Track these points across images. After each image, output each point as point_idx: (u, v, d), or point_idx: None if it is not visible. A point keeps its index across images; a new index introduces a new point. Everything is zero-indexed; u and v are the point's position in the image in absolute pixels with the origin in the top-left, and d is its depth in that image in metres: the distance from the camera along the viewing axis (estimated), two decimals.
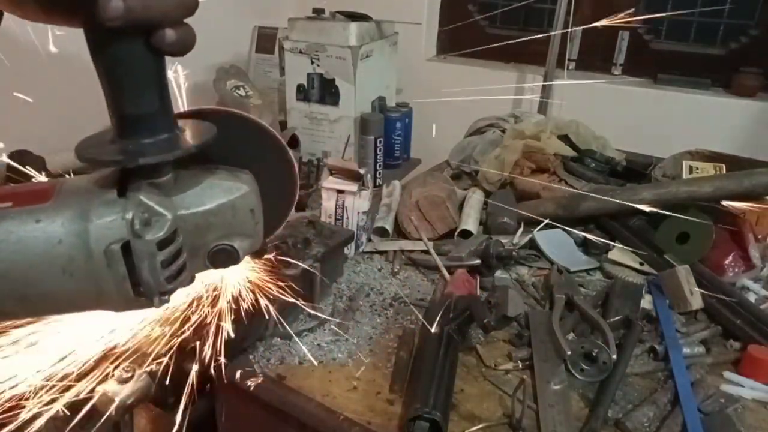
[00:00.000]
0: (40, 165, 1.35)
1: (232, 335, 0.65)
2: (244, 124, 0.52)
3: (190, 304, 0.61)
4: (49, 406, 0.60)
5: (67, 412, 0.63)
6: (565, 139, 1.47)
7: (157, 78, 0.41)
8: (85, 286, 0.41)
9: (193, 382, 0.72)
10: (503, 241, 1.11)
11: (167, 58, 0.41)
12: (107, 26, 0.36)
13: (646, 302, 0.99)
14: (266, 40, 2.31)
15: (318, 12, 1.89)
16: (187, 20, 0.40)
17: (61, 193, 0.42)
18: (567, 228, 1.18)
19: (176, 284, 0.45)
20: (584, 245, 1.18)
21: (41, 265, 0.40)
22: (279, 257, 0.70)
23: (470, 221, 1.21)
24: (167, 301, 0.45)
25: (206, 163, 0.48)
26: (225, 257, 0.47)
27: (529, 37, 1.68)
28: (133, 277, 0.42)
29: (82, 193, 0.42)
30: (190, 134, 0.44)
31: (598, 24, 1.03)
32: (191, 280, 0.48)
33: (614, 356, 0.81)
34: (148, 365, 0.70)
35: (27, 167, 0.66)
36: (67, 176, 0.48)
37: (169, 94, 0.43)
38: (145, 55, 0.39)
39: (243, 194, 0.46)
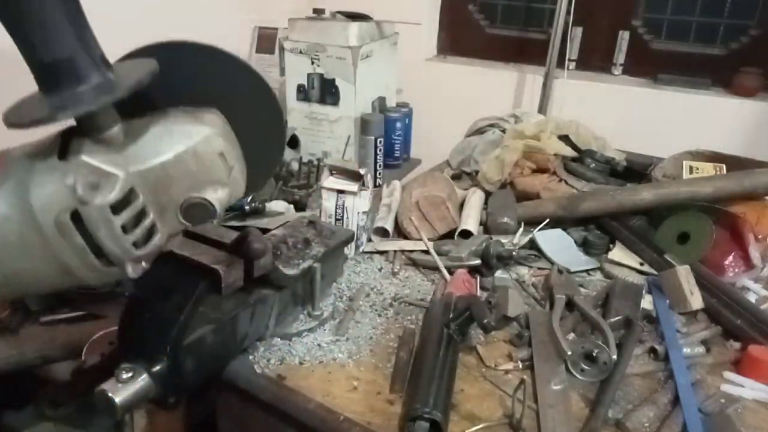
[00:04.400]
0: None
1: None
2: (216, 59, 0.44)
3: None
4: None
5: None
6: (565, 139, 1.47)
7: (69, 14, 0.35)
8: (47, 261, 0.37)
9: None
10: (503, 241, 1.11)
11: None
12: None
13: (646, 302, 0.99)
14: (266, 40, 2.31)
15: (318, 12, 1.89)
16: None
17: (5, 165, 0.37)
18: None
19: (149, 248, 0.40)
20: (584, 245, 1.18)
21: None
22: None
23: (470, 221, 1.21)
24: (145, 268, 0.40)
25: (169, 107, 0.42)
26: (200, 212, 0.41)
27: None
28: (95, 247, 0.37)
29: (23, 162, 0.37)
30: (125, 75, 0.38)
31: None
32: (167, 239, 0.43)
33: (614, 356, 0.81)
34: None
35: None
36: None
37: (90, 32, 0.36)
38: None
39: (205, 137, 0.40)
